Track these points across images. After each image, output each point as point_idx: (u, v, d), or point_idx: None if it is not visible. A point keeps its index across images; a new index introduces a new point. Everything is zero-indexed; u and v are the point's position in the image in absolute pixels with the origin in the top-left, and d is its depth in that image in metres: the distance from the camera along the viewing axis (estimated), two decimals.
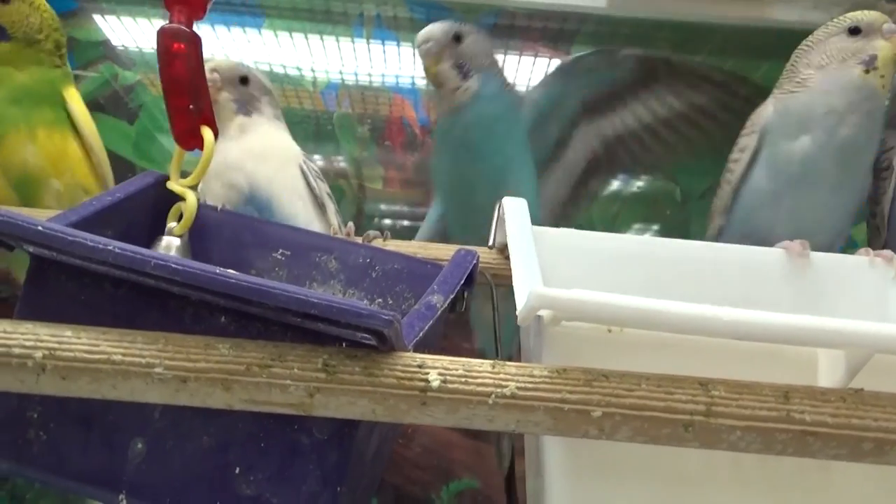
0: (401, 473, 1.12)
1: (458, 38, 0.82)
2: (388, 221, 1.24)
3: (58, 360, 0.44)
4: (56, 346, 0.44)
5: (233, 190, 0.78)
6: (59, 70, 0.82)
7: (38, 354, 0.44)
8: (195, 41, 0.59)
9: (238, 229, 0.68)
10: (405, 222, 1.25)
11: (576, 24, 1.22)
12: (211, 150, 0.60)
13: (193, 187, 0.63)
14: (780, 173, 0.74)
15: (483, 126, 0.83)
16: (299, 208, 0.80)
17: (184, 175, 0.62)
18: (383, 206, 1.24)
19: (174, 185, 0.62)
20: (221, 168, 0.77)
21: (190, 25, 0.59)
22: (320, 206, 0.82)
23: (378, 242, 0.72)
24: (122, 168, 1.14)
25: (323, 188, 0.83)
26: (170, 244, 0.61)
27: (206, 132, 0.60)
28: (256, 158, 0.80)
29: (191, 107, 0.59)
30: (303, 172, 0.82)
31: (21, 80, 0.78)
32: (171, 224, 0.62)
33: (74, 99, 0.82)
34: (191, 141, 0.61)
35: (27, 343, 0.44)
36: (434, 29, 0.83)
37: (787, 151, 0.74)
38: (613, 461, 0.52)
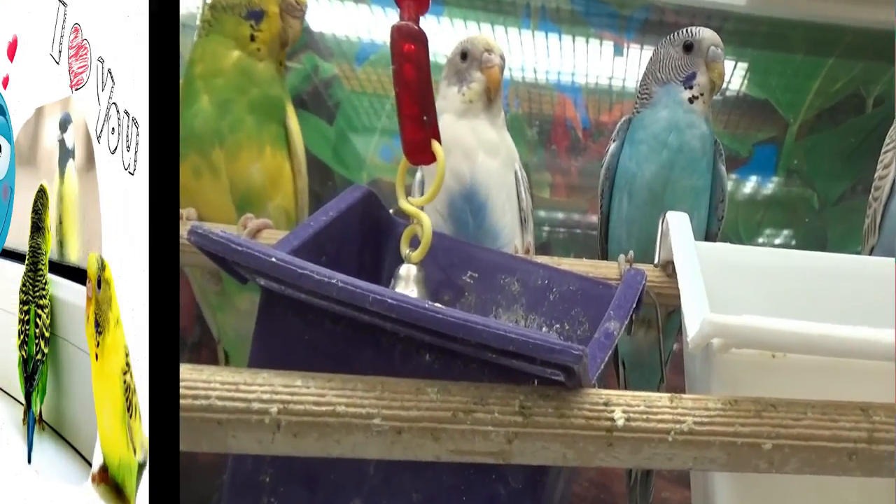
0: None
1: None
2: (547, 229, 1.19)
3: (291, 416, 0.43)
4: (289, 398, 0.44)
5: (455, 180, 0.73)
6: (282, 72, 0.81)
7: (274, 409, 0.43)
8: (424, 41, 0.53)
9: (432, 249, 0.63)
10: (577, 231, 1.20)
11: (718, 21, 1.22)
12: (443, 170, 0.56)
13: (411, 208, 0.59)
14: None
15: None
16: (507, 219, 0.76)
17: None
18: (548, 215, 1.19)
19: (407, 206, 0.58)
20: (450, 148, 0.69)
21: (418, 21, 0.54)
22: (522, 222, 0.78)
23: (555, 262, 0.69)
24: (320, 173, 1.11)
25: (529, 204, 0.78)
26: (409, 273, 0.59)
27: (438, 148, 0.55)
28: (488, 151, 0.75)
29: (424, 118, 0.54)
30: (516, 180, 0.78)
31: (260, 72, 0.77)
32: (406, 251, 0.59)
33: (293, 117, 0.81)
34: (418, 155, 0.56)
35: (264, 396, 0.43)
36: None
37: None
38: (780, 493, 0.52)
